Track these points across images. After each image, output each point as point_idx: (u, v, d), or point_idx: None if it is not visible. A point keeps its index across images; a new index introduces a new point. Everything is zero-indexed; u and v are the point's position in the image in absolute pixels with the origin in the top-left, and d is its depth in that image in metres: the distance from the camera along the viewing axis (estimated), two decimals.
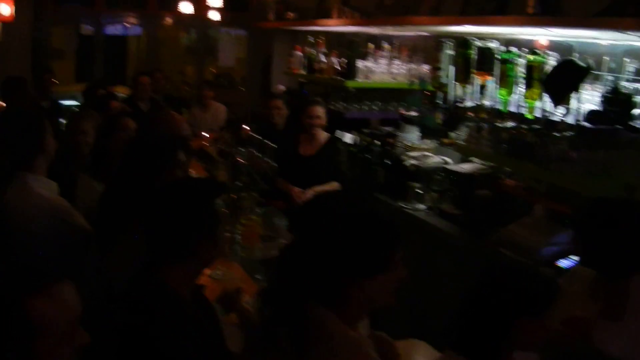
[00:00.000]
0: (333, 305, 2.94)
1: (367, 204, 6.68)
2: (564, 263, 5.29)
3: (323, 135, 7.77)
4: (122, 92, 12.05)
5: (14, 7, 13.03)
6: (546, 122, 5.63)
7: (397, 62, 8.85)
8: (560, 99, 5.33)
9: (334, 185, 7.51)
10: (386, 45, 9.01)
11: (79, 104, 11.46)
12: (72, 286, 2.30)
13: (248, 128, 7.32)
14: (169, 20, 16.90)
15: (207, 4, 12.65)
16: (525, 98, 5.74)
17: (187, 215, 3.17)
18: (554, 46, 5.91)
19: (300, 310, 2.94)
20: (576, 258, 4.61)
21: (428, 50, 8.35)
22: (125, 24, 17.70)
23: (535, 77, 5.61)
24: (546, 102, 5.60)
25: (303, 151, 7.72)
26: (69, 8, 16.02)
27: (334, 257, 2.91)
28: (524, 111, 5.87)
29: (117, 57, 18.19)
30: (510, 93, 5.95)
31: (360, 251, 2.92)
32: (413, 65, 8.63)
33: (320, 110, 7.68)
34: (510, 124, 5.98)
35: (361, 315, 3.08)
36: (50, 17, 15.51)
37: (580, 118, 5.30)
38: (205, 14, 13.86)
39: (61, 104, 11.37)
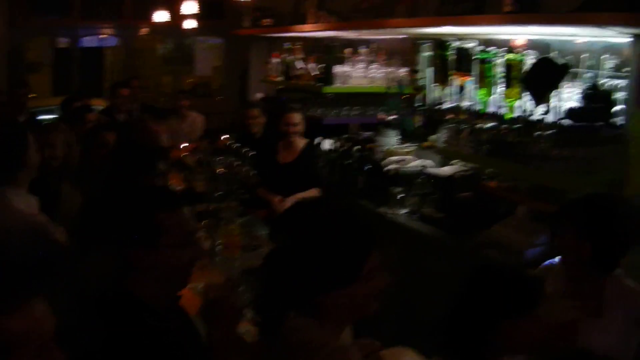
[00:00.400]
0: (312, 315, 2.86)
1: (344, 211, 6.58)
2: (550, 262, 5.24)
3: (301, 142, 7.71)
4: (99, 104, 11.96)
5: None
6: (526, 121, 5.58)
7: (374, 66, 8.80)
8: (541, 97, 5.29)
9: (313, 192, 7.46)
10: (363, 50, 8.95)
11: (56, 117, 11.36)
12: (45, 303, 2.23)
13: (227, 137, 7.26)
14: (144, 30, 16.81)
15: (182, 12, 12.56)
16: (505, 98, 5.70)
17: (134, 224, 3.11)
18: (532, 45, 5.87)
19: (279, 321, 2.86)
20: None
21: (405, 52, 8.30)
22: (101, 35, 17.62)
23: (514, 77, 5.57)
24: (526, 101, 5.55)
25: (282, 159, 7.66)
26: (43, 20, 15.93)
27: (306, 266, 2.83)
28: (504, 111, 5.83)
29: (93, 68, 18.10)
30: (489, 93, 5.91)
31: (331, 260, 2.82)
32: (391, 69, 8.57)
33: (297, 117, 7.63)
34: (490, 124, 5.92)
35: (342, 324, 2.99)
36: (25, 29, 15.41)
37: (561, 116, 5.26)
38: (180, 23, 13.78)
39: (37, 119, 11.22)
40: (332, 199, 7.41)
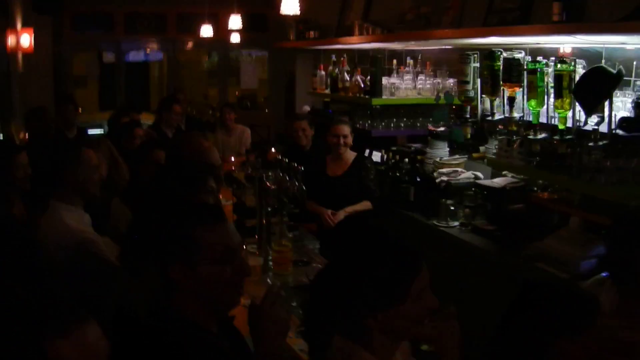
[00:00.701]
0: (358, 337, 2.81)
1: (392, 226, 6.53)
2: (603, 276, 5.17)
3: (350, 155, 7.69)
4: (146, 119, 12.04)
5: (33, 37, 13.09)
6: (578, 132, 5.52)
7: (421, 77, 8.74)
8: (592, 107, 5.21)
9: (366, 205, 7.44)
10: (410, 61, 8.91)
11: (103, 132, 11.44)
12: (97, 327, 2.21)
13: (275, 150, 7.26)
14: (189, 43, 16.88)
15: (227, 26, 12.58)
16: (556, 108, 5.63)
17: (170, 240, 3.03)
18: (581, 53, 5.81)
19: (326, 343, 2.83)
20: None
21: (452, 63, 8.25)
22: (146, 49, 17.73)
23: (565, 87, 5.50)
24: (578, 112, 5.49)
25: (331, 172, 7.65)
26: (88, 35, 16.06)
27: (353, 285, 2.79)
28: (555, 122, 5.76)
29: (139, 82, 18.21)
30: (540, 104, 5.84)
31: (375, 281, 2.77)
32: (438, 80, 8.52)
33: (345, 129, 7.60)
34: (541, 135, 5.86)
35: (392, 346, 2.92)
36: (70, 44, 15.54)
37: (613, 126, 5.19)
38: (225, 36, 13.82)
39: (88, 133, 11.29)
40: (382, 213, 7.39)
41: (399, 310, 2.75)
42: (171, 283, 2.99)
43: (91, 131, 12.71)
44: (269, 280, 5.35)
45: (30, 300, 2.23)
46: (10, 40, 13.20)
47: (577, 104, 5.41)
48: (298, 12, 7.88)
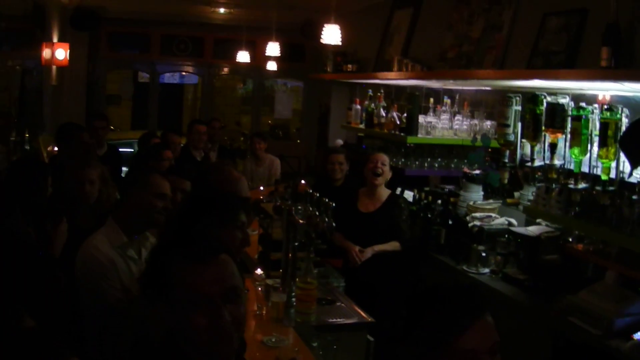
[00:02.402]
0: None
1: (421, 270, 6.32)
2: None
3: (385, 192, 7.52)
4: (177, 141, 11.95)
5: (69, 52, 13.15)
6: (622, 184, 5.33)
7: (458, 117, 8.59)
8: (638, 159, 5.02)
9: (394, 245, 7.25)
10: (447, 100, 8.76)
11: (134, 151, 11.35)
12: None
13: (305, 183, 7.09)
14: (225, 69, 16.84)
15: (263, 54, 12.53)
16: (599, 158, 5.44)
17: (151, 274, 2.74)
18: (622, 102, 5.62)
19: None
20: None
21: (490, 104, 8.11)
22: (181, 71, 17.75)
23: (611, 135, 5.31)
24: (622, 162, 5.30)
25: (363, 207, 7.49)
26: (124, 54, 16.10)
27: (397, 329, 2.64)
28: (597, 172, 5.57)
29: (172, 104, 18.23)
30: (583, 152, 5.65)
31: (416, 329, 2.61)
32: (475, 121, 8.36)
33: (384, 158, 7.43)
34: (583, 184, 5.67)
35: None
36: (106, 62, 15.58)
37: None
38: (262, 64, 13.78)
39: (120, 151, 11.12)
40: (413, 255, 7.24)
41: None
42: None
43: (122, 149, 12.68)
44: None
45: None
46: (46, 53, 13.26)
47: (622, 154, 5.22)
48: (339, 43, 7.78)
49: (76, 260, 4.74)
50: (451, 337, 2.55)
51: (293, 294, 5.40)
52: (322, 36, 7.72)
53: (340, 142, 11.37)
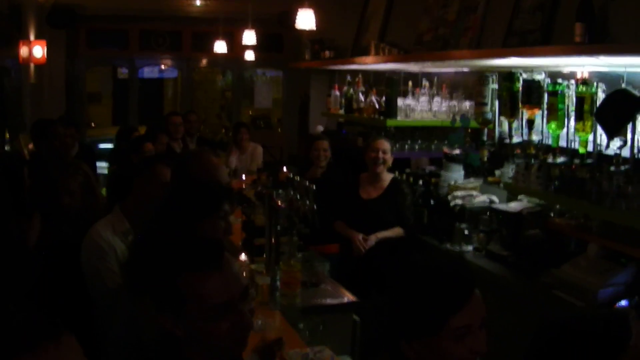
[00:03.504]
0: None
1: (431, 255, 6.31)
2: (623, 305, 5.02)
3: (387, 177, 7.50)
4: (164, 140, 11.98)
5: (46, 50, 13.12)
6: (599, 156, 5.38)
7: (437, 99, 8.62)
8: (615, 131, 5.07)
9: (397, 232, 7.23)
10: (426, 83, 8.78)
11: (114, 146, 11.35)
12: (73, 341, 2.03)
13: (287, 170, 7.09)
14: (204, 61, 16.83)
15: (241, 44, 12.54)
16: (577, 131, 5.49)
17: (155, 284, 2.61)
18: (600, 77, 5.67)
19: None
20: None
21: (469, 85, 8.13)
22: (160, 66, 17.71)
23: (587, 109, 5.36)
24: (599, 135, 5.35)
25: (365, 194, 7.43)
26: (102, 50, 16.06)
27: (391, 309, 2.65)
28: (575, 146, 5.62)
29: (153, 99, 18.19)
30: (560, 127, 5.70)
31: (411, 308, 2.62)
32: (454, 102, 8.39)
33: (386, 144, 7.39)
34: (561, 159, 5.71)
35: None
36: (85, 60, 15.54)
37: (636, 150, 5.05)
38: (240, 55, 13.77)
39: (93, 149, 11.09)
40: (416, 241, 7.25)
41: (432, 343, 2.59)
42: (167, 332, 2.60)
43: (102, 145, 12.69)
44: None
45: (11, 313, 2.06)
46: (23, 51, 13.24)
47: (598, 127, 5.27)
48: (314, 27, 7.79)
49: (81, 247, 4.86)
50: (447, 317, 2.57)
51: (277, 277, 5.43)
52: (296, 22, 7.72)
53: (320, 128, 11.36)
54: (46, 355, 1.91)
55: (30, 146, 10.22)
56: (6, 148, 13.52)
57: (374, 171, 7.41)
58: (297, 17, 7.65)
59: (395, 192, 7.42)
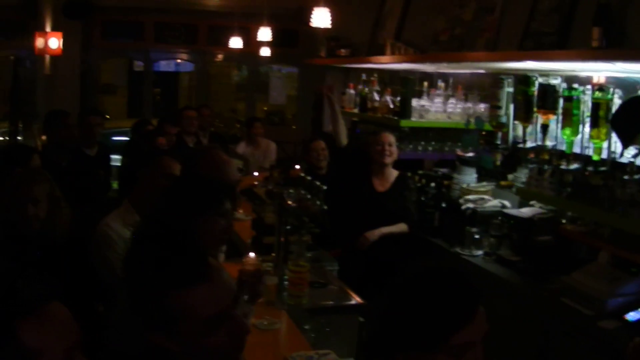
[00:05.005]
0: None
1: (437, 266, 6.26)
2: (632, 316, 4.96)
3: (393, 172, 7.55)
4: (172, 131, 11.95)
5: (62, 41, 13.11)
6: (613, 164, 5.32)
7: (452, 100, 8.56)
8: (630, 138, 5.01)
9: (401, 227, 7.22)
10: (441, 84, 8.73)
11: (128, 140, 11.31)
12: (65, 309, 2.02)
13: (299, 168, 7.06)
14: (219, 56, 16.79)
15: (257, 39, 12.50)
16: (591, 138, 5.43)
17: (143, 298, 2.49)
18: (616, 83, 5.60)
19: None
20: None
21: (484, 87, 8.07)
22: (175, 59, 17.68)
23: (602, 116, 5.30)
24: (614, 142, 5.29)
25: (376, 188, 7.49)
26: (118, 42, 16.03)
27: (393, 318, 2.59)
28: (589, 152, 5.56)
29: (168, 92, 18.17)
30: (575, 133, 5.64)
31: (411, 320, 2.55)
32: (469, 104, 8.33)
33: (390, 137, 7.40)
34: (574, 165, 5.66)
35: None
36: (100, 51, 15.52)
37: None
38: (255, 50, 13.74)
39: (110, 151, 10.52)
40: (419, 238, 7.22)
41: (429, 358, 2.52)
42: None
43: (117, 138, 12.66)
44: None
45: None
46: (39, 43, 13.23)
47: (613, 134, 5.21)
48: (329, 26, 7.74)
49: (91, 240, 4.92)
50: (448, 334, 2.51)
51: (285, 277, 5.39)
52: (311, 19, 7.68)
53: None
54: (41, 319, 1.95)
55: (44, 137, 10.18)
56: (19, 138, 13.55)
57: (381, 162, 7.45)
58: (313, 15, 7.60)
59: (403, 186, 7.48)
